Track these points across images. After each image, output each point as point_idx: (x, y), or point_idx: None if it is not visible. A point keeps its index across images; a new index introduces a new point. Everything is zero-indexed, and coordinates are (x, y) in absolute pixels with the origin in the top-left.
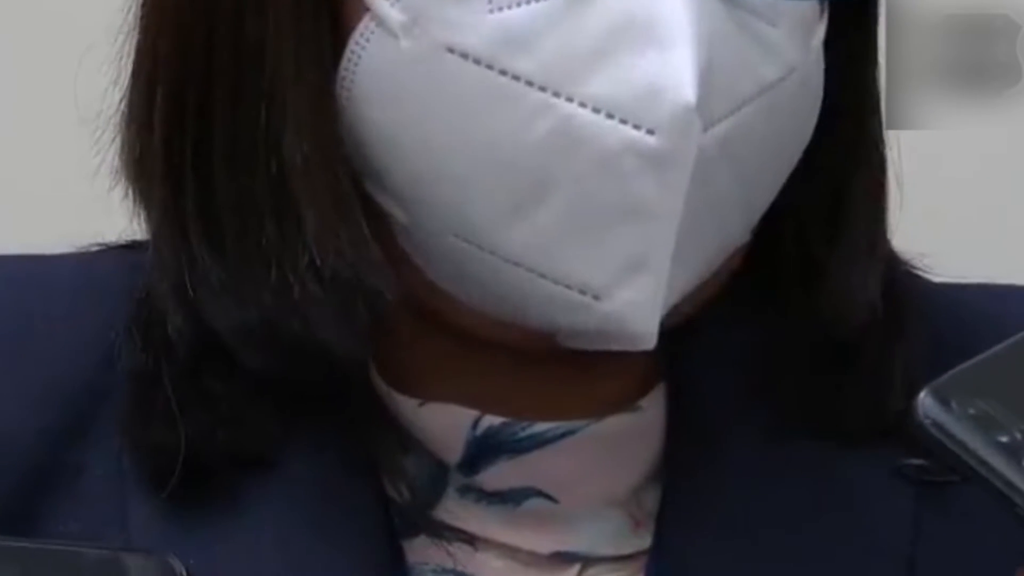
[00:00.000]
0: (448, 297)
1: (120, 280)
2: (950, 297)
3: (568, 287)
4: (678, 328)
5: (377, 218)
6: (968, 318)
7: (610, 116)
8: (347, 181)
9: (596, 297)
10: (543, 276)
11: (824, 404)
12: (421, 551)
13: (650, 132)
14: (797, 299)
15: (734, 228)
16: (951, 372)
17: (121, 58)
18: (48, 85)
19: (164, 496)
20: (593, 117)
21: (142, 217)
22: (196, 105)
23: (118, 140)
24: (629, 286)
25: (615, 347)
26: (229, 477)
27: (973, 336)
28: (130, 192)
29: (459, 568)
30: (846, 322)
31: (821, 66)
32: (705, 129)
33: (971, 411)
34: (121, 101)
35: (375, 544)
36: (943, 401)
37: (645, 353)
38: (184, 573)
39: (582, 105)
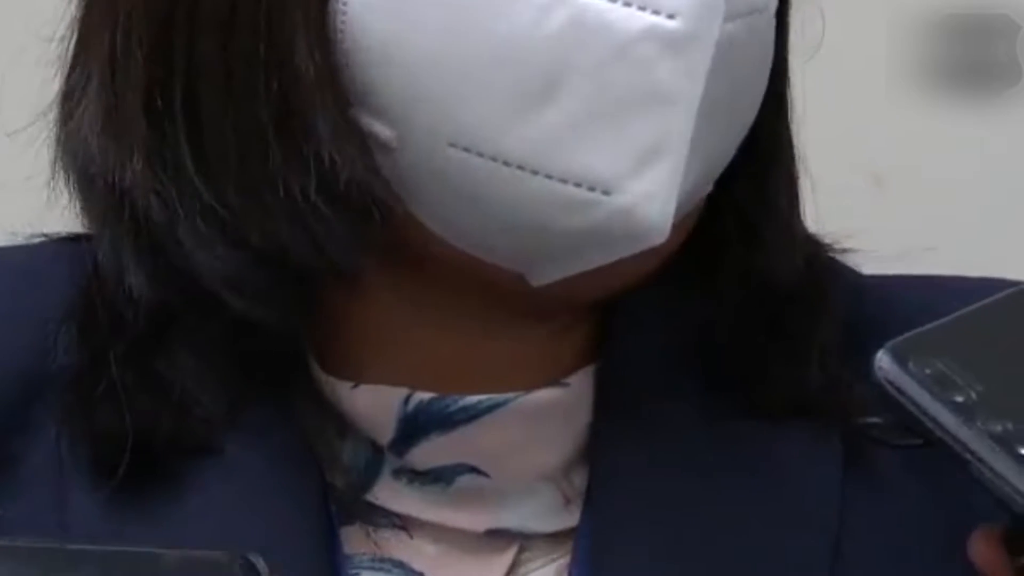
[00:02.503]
0: (423, 232)
1: (61, 270)
2: (872, 285)
3: (576, 184)
4: (610, 307)
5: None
6: (890, 305)
7: (627, 4)
8: (351, 91)
9: (606, 192)
10: (549, 176)
11: (750, 381)
12: (357, 540)
13: (671, 16)
14: (731, 263)
15: (722, 148)
16: (909, 333)
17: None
18: None
19: (106, 484)
20: (609, 5)
21: (118, 173)
22: (184, 39)
23: (70, 114)
24: (643, 177)
25: (614, 253)
26: (171, 464)
27: (892, 322)
28: (72, 177)
29: (393, 556)
30: (777, 281)
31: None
32: (725, 19)
33: (928, 371)
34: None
35: (312, 535)
36: (900, 360)
37: (574, 329)
38: (267, 571)
39: None
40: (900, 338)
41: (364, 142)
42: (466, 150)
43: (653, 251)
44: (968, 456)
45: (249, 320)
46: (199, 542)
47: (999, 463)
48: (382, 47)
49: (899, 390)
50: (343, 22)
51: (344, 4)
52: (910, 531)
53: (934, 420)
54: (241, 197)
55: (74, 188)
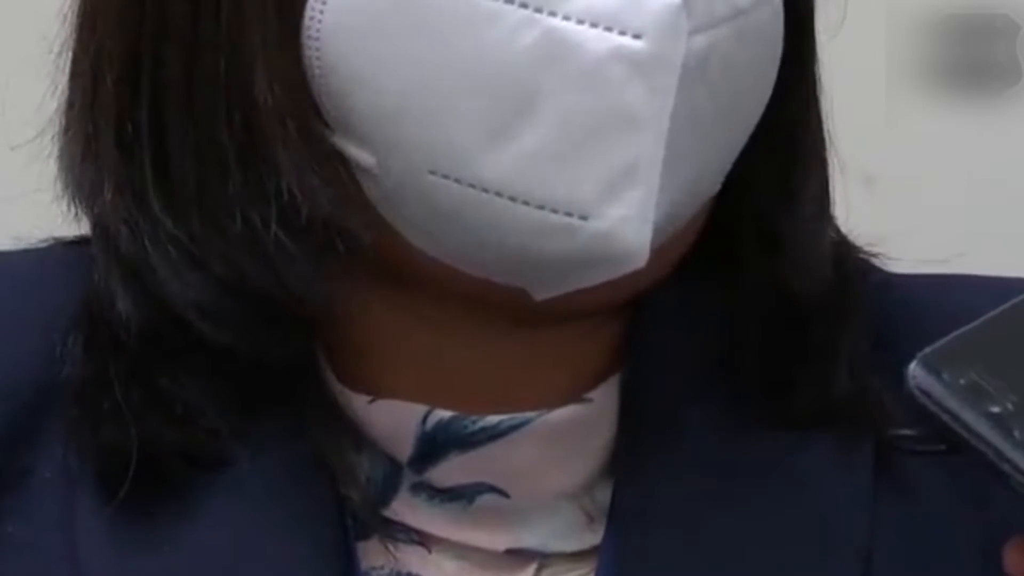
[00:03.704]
0: (415, 252)
1: (68, 277)
2: (898, 286)
3: (553, 211)
4: (631, 315)
5: (347, 167)
6: (915, 307)
7: (594, 25)
8: (317, 121)
9: (583, 217)
10: (526, 203)
11: (776, 392)
12: (375, 554)
13: (636, 36)
14: (754, 271)
15: (711, 162)
16: (941, 342)
17: (61, 53)
18: None
19: (114, 501)
20: (577, 27)
21: (92, 202)
22: (150, 61)
23: (62, 129)
24: (619, 201)
25: (598, 276)
26: (181, 479)
27: (918, 325)
28: (71, 186)
29: (412, 571)
30: (802, 291)
31: (780, 16)
32: (690, 33)
33: (962, 381)
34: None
35: (328, 548)
36: (934, 371)
37: (595, 339)
38: None
39: (566, 19)
40: (931, 348)
41: (331, 172)
42: (444, 176)
43: (657, 257)
44: (1006, 468)
45: (223, 347)
46: (211, 558)
47: None
48: (357, 73)
49: (935, 402)
50: (317, 48)
51: (317, 31)
52: (942, 541)
53: (971, 432)
54: (203, 226)
55: (72, 208)
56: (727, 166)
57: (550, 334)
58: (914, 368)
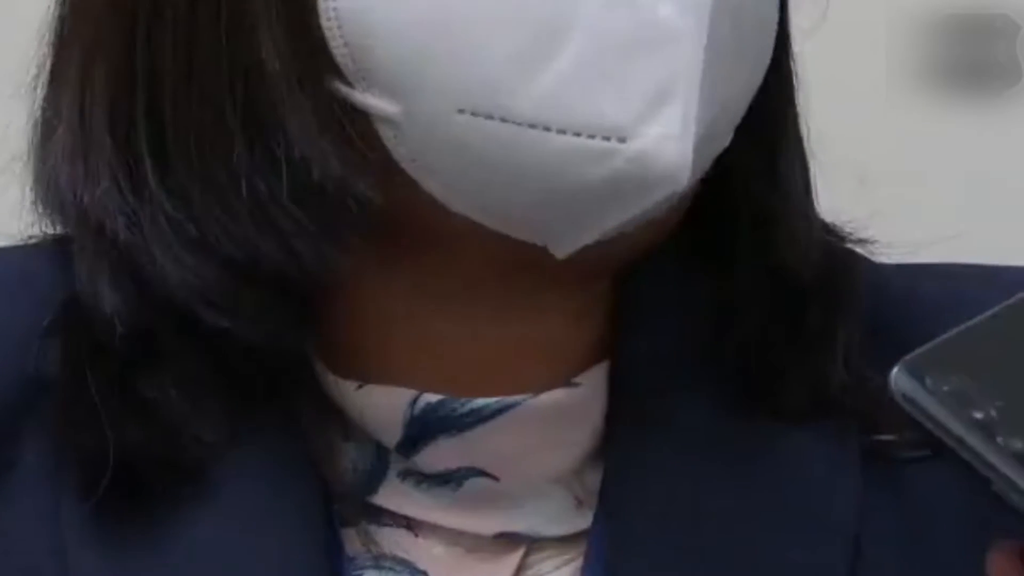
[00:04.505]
0: (436, 210)
1: (55, 272)
2: (888, 275)
3: (591, 136)
4: (622, 307)
5: (356, 126)
6: (909, 296)
7: None
8: (330, 79)
9: (621, 139)
10: (562, 131)
11: (768, 378)
12: (362, 540)
13: None
14: (746, 255)
15: (734, 94)
16: (925, 347)
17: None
18: None
19: (96, 501)
20: None
21: (82, 198)
22: (145, 42)
23: (43, 141)
24: (657, 119)
25: (637, 204)
26: (165, 483)
27: (913, 314)
28: (46, 208)
29: (399, 556)
30: (797, 263)
31: None
32: None
33: (945, 387)
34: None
35: (314, 535)
36: (917, 376)
37: (586, 327)
38: None
39: None
40: (915, 353)
41: (342, 133)
42: (474, 114)
43: (666, 215)
44: (991, 474)
45: (228, 336)
46: (197, 549)
47: (1022, 481)
48: (378, 20)
49: (918, 408)
50: (335, 1)
51: None
52: (932, 525)
53: (955, 438)
54: (206, 204)
55: (49, 218)
56: (743, 109)
57: (541, 313)
58: (897, 373)
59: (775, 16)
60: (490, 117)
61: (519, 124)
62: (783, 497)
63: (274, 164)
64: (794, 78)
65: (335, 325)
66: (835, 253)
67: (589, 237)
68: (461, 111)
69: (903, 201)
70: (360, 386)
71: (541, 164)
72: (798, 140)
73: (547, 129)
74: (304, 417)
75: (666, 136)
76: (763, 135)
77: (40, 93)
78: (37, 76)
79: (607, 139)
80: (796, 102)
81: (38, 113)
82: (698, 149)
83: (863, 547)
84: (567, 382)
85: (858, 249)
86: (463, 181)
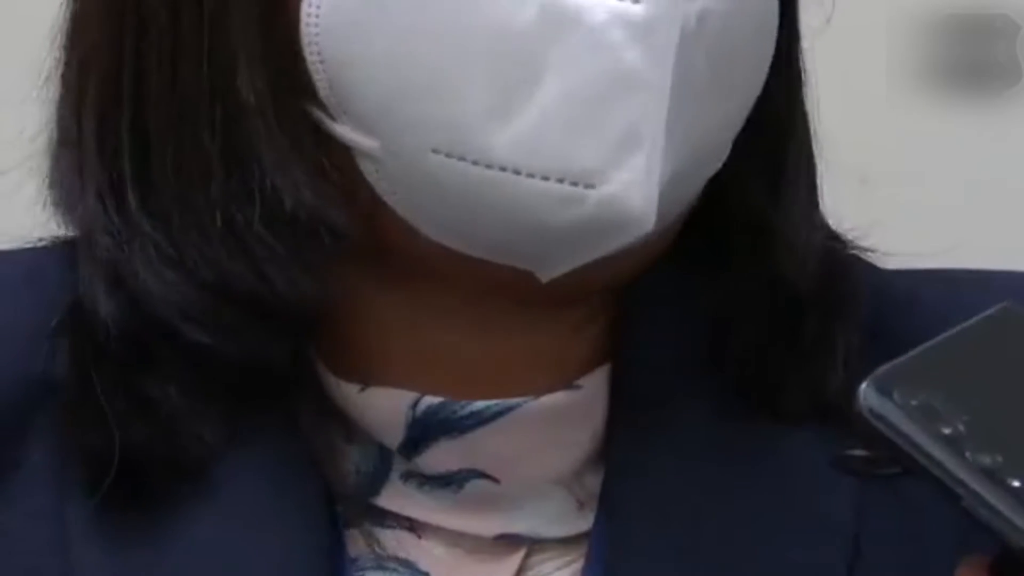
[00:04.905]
0: (419, 238)
1: (63, 274)
2: (890, 281)
3: (560, 181)
4: (623, 305)
5: (336, 158)
6: (909, 302)
7: None
8: (302, 115)
9: (590, 185)
10: (532, 176)
11: (768, 384)
12: (364, 541)
13: (635, 0)
14: (746, 265)
15: (711, 130)
16: (893, 362)
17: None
18: None
19: (100, 500)
20: None
21: (75, 208)
22: (132, 65)
23: (51, 131)
24: (624, 165)
25: (607, 245)
26: (168, 482)
27: (912, 320)
28: (56, 194)
29: (401, 556)
30: (795, 275)
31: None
32: None
33: (913, 402)
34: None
35: (316, 535)
36: (885, 392)
37: (586, 329)
38: None
39: None
40: (883, 368)
41: (317, 165)
42: (448, 155)
43: (657, 234)
44: (960, 489)
45: (206, 349)
46: (200, 549)
47: (991, 496)
48: (358, 56)
49: (886, 423)
50: (317, 35)
51: (316, 18)
52: (931, 533)
53: (924, 453)
54: (183, 228)
55: (60, 220)
56: (728, 140)
57: (543, 323)
58: (865, 388)
59: (774, 23)
60: (462, 159)
61: (490, 167)
62: (782, 498)
63: (249, 193)
64: (802, 81)
65: (337, 330)
66: (836, 258)
67: (572, 265)
68: (435, 151)
69: (903, 201)
70: (362, 389)
71: (512, 206)
72: (804, 145)
73: (517, 173)
74: (306, 419)
75: (633, 182)
76: (767, 141)
77: (50, 97)
78: (47, 80)
79: (575, 184)
80: (804, 106)
81: (49, 117)
82: (670, 190)
83: (862, 546)
84: (568, 385)
85: (860, 255)
86: (441, 216)
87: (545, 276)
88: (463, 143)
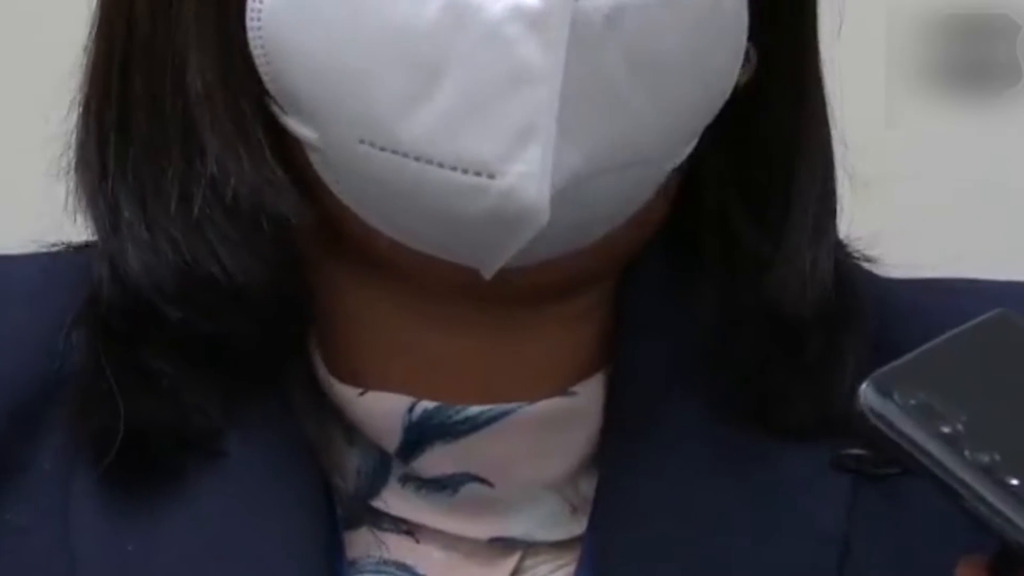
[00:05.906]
0: (369, 230)
1: (75, 277)
2: (892, 291)
3: (464, 171)
4: (620, 318)
5: (291, 147)
6: (914, 312)
7: None
8: (249, 106)
9: (491, 176)
10: (440, 164)
11: (768, 394)
12: (363, 543)
13: None
14: (744, 282)
15: (631, 130)
16: (893, 363)
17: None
18: (10, 85)
19: (108, 482)
20: None
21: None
22: (120, 57)
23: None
24: (520, 158)
25: (514, 238)
26: (173, 461)
27: (918, 331)
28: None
29: (400, 560)
30: (791, 306)
31: (743, 9)
32: None
33: (913, 402)
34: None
35: (316, 536)
36: (885, 392)
37: (583, 338)
38: None
39: None
40: (883, 369)
41: (260, 153)
42: (371, 145)
43: (607, 243)
44: (958, 488)
45: (187, 329)
46: (202, 545)
47: (990, 495)
48: (297, 50)
49: (886, 422)
50: (259, 29)
51: (258, 13)
52: (924, 531)
53: (923, 452)
54: (154, 212)
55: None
56: (678, 138)
57: (532, 328)
58: (865, 388)
59: (734, 14)
60: (382, 148)
61: (406, 156)
62: (775, 502)
63: (199, 179)
64: (819, 98)
65: (335, 332)
66: (841, 270)
67: (497, 261)
68: (362, 141)
69: (902, 201)
70: (362, 393)
71: (430, 195)
72: (816, 168)
73: (428, 162)
74: (304, 417)
75: (527, 174)
76: (767, 159)
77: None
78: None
79: (478, 175)
80: (822, 127)
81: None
82: (582, 184)
83: (852, 547)
84: (563, 391)
85: (864, 265)
86: (381, 207)
87: (487, 272)
88: (380, 133)
